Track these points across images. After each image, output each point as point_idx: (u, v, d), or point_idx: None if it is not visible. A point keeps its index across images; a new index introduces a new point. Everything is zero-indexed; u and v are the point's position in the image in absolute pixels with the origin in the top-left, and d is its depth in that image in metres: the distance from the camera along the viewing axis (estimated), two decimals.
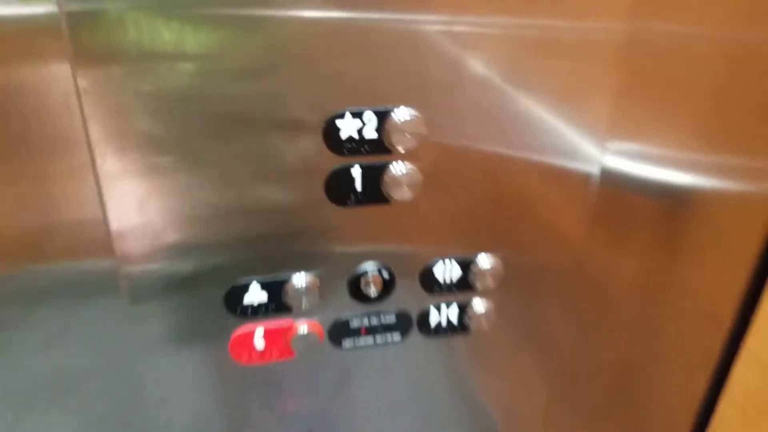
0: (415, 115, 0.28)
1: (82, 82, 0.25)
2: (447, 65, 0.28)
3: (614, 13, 0.29)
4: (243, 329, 0.34)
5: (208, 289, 0.32)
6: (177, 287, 0.32)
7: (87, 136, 0.26)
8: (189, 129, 0.27)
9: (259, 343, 0.34)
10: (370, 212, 0.32)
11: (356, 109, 0.27)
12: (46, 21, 0.24)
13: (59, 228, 0.28)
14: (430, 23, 0.27)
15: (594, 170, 0.35)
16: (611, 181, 0.36)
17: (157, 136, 0.27)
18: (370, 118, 0.28)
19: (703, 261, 0.41)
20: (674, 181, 0.37)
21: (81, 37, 0.24)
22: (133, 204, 0.28)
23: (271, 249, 0.32)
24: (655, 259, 0.40)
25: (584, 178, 0.35)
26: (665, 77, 0.33)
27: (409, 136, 0.28)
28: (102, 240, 0.29)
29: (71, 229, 0.28)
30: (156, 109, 0.26)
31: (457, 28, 0.27)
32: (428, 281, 0.35)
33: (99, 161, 0.27)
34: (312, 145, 0.28)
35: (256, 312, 0.33)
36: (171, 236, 0.29)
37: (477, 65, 0.28)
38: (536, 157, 0.32)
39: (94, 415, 0.34)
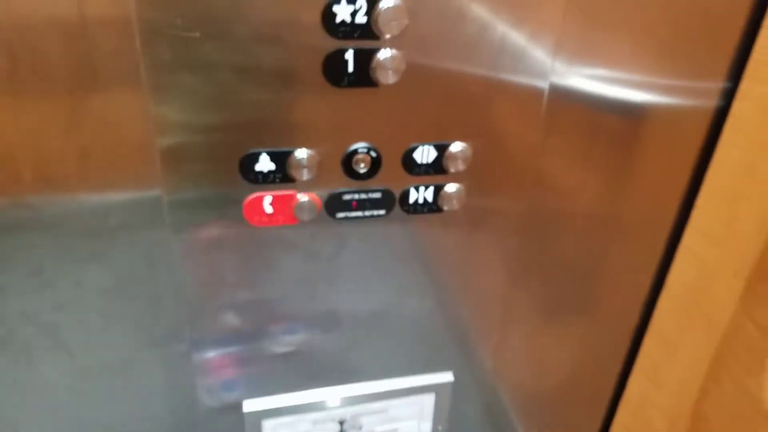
0: (398, 3, 0.35)
1: None
2: None
3: None
4: (255, 195, 0.41)
5: (226, 159, 0.39)
6: (202, 157, 0.39)
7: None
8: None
9: (267, 208, 0.41)
10: (361, 95, 0.39)
11: None
12: None
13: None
14: None
15: (543, 85, 0.41)
16: (560, 94, 0.42)
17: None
18: (362, 5, 0.34)
19: (647, 169, 0.48)
20: (620, 96, 0.44)
21: None
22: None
23: (278, 125, 0.39)
24: (603, 165, 0.47)
25: (535, 92, 0.41)
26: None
27: (393, 23, 0.35)
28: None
29: None
30: None
31: None
32: (409, 163, 0.42)
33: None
34: (312, 27, 0.35)
35: (266, 178, 0.40)
36: (202, 115, 0.36)
37: None
38: (490, 65, 0.39)
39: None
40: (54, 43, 0.33)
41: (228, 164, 0.39)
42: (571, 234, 0.50)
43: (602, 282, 0.53)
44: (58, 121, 0.35)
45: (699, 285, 0.50)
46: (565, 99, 0.43)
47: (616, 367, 0.60)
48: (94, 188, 0.38)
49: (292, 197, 0.41)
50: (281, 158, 0.39)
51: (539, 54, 0.40)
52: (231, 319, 0.46)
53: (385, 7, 0.34)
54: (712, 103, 0.46)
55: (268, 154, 0.39)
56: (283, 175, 0.40)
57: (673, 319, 0.53)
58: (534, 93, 0.42)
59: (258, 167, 0.39)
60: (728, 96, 0.45)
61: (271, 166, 0.40)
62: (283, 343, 0.49)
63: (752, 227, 0.44)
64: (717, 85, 0.45)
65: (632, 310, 0.56)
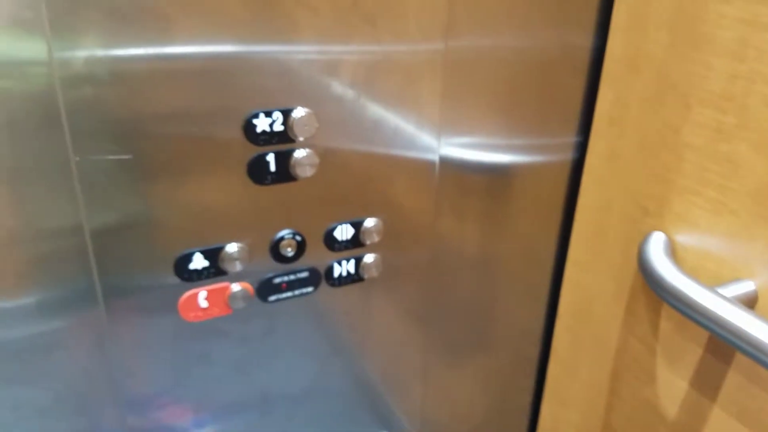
0: (309, 112, 0.40)
1: None
2: (321, 80, 0.41)
3: (432, 37, 0.44)
4: (189, 292, 0.43)
5: (161, 259, 0.42)
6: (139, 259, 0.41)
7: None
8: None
9: (203, 302, 0.44)
10: (283, 189, 0.43)
11: (267, 110, 0.39)
12: None
13: None
14: (304, 53, 0.40)
15: (434, 158, 0.49)
16: (448, 164, 0.50)
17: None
18: (278, 116, 0.40)
19: (523, 215, 0.56)
20: (495, 160, 0.52)
21: None
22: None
23: (208, 224, 0.42)
24: (488, 219, 0.54)
25: (428, 164, 0.48)
26: (477, 81, 0.48)
27: (306, 128, 0.40)
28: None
29: None
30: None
31: (320, 57, 0.40)
32: (331, 241, 0.47)
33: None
34: (235, 139, 0.40)
35: (200, 275, 0.43)
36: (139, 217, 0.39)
37: (339, 82, 0.41)
38: (389, 149, 0.46)
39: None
40: None
41: (162, 263, 0.42)
42: (469, 279, 0.56)
43: (502, 318, 0.60)
44: None
45: (584, 310, 0.58)
46: (451, 167, 0.50)
47: (528, 397, 0.67)
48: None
49: (226, 288, 0.44)
50: (213, 254, 0.43)
51: (427, 136, 0.47)
52: (167, 411, 0.48)
53: (299, 116, 0.40)
54: (568, 155, 0.55)
55: (201, 252, 0.42)
56: (216, 270, 0.43)
57: (569, 344, 0.61)
58: (427, 166, 0.49)
59: (192, 266, 0.42)
60: (581, 148, 0.55)
61: (205, 263, 0.43)
62: (221, 430, 0.50)
63: (618, 257, 0.53)
64: (569, 140, 0.54)
65: (533, 340, 0.63)
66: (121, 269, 0.41)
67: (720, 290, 0.41)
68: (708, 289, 0.41)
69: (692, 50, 0.43)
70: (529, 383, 0.66)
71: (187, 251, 0.42)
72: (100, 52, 0.34)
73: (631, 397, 0.55)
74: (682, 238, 0.46)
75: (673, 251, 0.47)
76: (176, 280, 0.42)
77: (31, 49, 0.33)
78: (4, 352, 0.39)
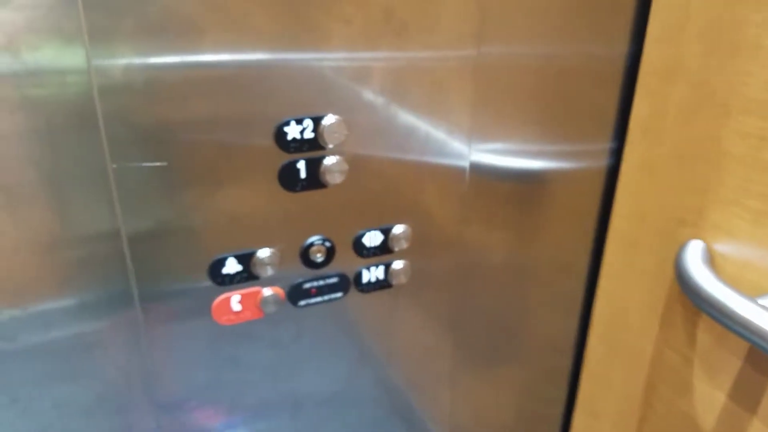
0: (339, 119, 0.41)
1: None
2: (352, 87, 0.41)
3: (464, 43, 0.44)
4: (222, 296, 0.44)
5: (195, 264, 0.43)
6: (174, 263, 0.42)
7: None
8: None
9: (235, 306, 0.45)
10: (313, 196, 0.44)
11: (298, 117, 0.40)
12: None
13: None
14: (334, 60, 0.40)
15: (464, 164, 0.48)
16: (478, 171, 0.49)
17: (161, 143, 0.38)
18: (308, 124, 0.40)
19: (555, 224, 0.55)
20: (526, 166, 0.52)
21: None
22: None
23: (241, 229, 0.43)
24: (518, 226, 0.54)
25: (458, 171, 0.48)
26: (508, 88, 0.48)
27: (336, 135, 0.41)
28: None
29: None
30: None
31: (354, 62, 0.41)
32: (360, 247, 0.47)
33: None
34: (266, 146, 0.40)
35: (233, 279, 0.44)
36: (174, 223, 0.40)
37: (369, 89, 0.42)
38: (419, 156, 0.46)
39: None
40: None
41: (196, 268, 0.43)
42: (499, 287, 0.56)
43: (532, 327, 0.59)
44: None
45: (618, 320, 0.57)
46: (481, 174, 0.50)
47: (559, 408, 0.65)
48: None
49: (257, 293, 0.45)
50: (246, 259, 0.43)
51: (457, 142, 0.47)
52: (200, 413, 0.48)
53: (329, 123, 0.40)
54: (602, 162, 0.54)
55: (234, 257, 0.43)
56: (248, 274, 0.44)
57: (602, 354, 0.60)
58: (457, 172, 0.48)
59: (225, 270, 0.43)
60: (616, 154, 0.54)
61: (238, 268, 0.43)
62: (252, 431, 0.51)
63: (653, 267, 0.52)
64: (603, 146, 0.54)
65: (565, 350, 0.62)
66: (156, 273, 0.42)
67: (761, 301, 0.40)
68: (748, 299, 0.40)
69: (731, 58, 0.42)
70: (560, 394, 0.65)
71: (220, 256, 0.43)
72: (136, 61, 0.36)
73: (665, 409, 0.53)
74: (721, 249, 0.45)
75: (711, 261, 0.45)
76: (210, 284, 0.43)
77: (69, 57, 0.34)
78: (46, 351, 0.41)
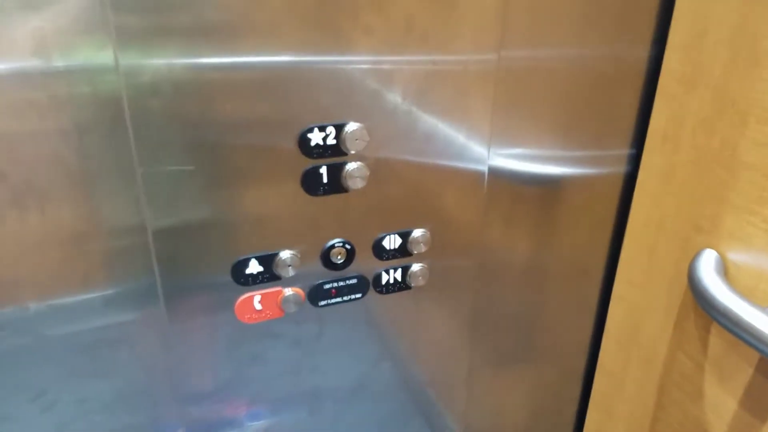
0: (361, 126, 0.42)
1: None
2: (374, 93, 0.42)
3: (485, 48, 0.44)
4: (245, 296, 0.46)
5: (219, 264, 0.44)
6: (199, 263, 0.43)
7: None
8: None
9: (257, 305, 0.46)
10: (335, 200, 0.45)
11: (321, 124, 0.41)
12: None
13: None
14: (356, 66, 0.41)
15: (483, 169, 0.49)
16: (497, 175, 0.50)
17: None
18: (331, 130, 0.41)
19: (571, 229, 0.56)
20: (545, 171, 0.52)
21: None
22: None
23: (263, 232, 0.44)
24: (536, 230, 0.54)
25: (477, 175, 0.49)
26: (528, 93, 0.48)
27: (358, 141, 0.42)
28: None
29: None
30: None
31: (377, 67, 0.41)
32: (379, 250, 0.48)
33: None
34: (290, 151, 0.41)
35: (255, 279, 0.45)
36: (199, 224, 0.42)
37: (391, 95, 0.43)
38: (439, 160, 0.47)
39: None
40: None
41: (220, 268, 0.44)
42: (516, 290, 0.57)
43: (548, 329, 0.60)
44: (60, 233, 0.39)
45: (633, 325, 0.58)
46: (500, 178, 0.50)
47: (574, 407, 0.66)
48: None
49: (279, 293, 0.46)
50: (268, 261, 0.45)
51: (477, 146, 0.48)
52: (221, 407, 0.50)
53: (351, 130, 0.41)
54: (620, 168, 0.54)
55: (257, 258, 0.44)
56: (270, 275, 0.45)
57: (616, 357, 0.60)
58: (476, 176, 0.49)
59: (248, 271, 0.44)
60: (635, 161, 0.54)
61: (260, 269, 0.45)
62: (272, 425, 0.53)
63: (669, 273, 0.52)
64: (622, 152, 0.54)
65: (580, 352, 0.63)
66: (181, 272, 0.43)
67: None
68: (759, 309, 0.40)
69: (753, 67, 0.42)
70: (575, 394, 0.66)
71: (243, 257, 0.44)
72: (164, 64, 0.37)
73: (677, 413, 0.54)
74: (736, 258, 0.46)
75: (725, 270, 0.46)
76: (233, 283, 0.45)
77: (99, 60, 0.35)
78: (72, 345, 0.43)
